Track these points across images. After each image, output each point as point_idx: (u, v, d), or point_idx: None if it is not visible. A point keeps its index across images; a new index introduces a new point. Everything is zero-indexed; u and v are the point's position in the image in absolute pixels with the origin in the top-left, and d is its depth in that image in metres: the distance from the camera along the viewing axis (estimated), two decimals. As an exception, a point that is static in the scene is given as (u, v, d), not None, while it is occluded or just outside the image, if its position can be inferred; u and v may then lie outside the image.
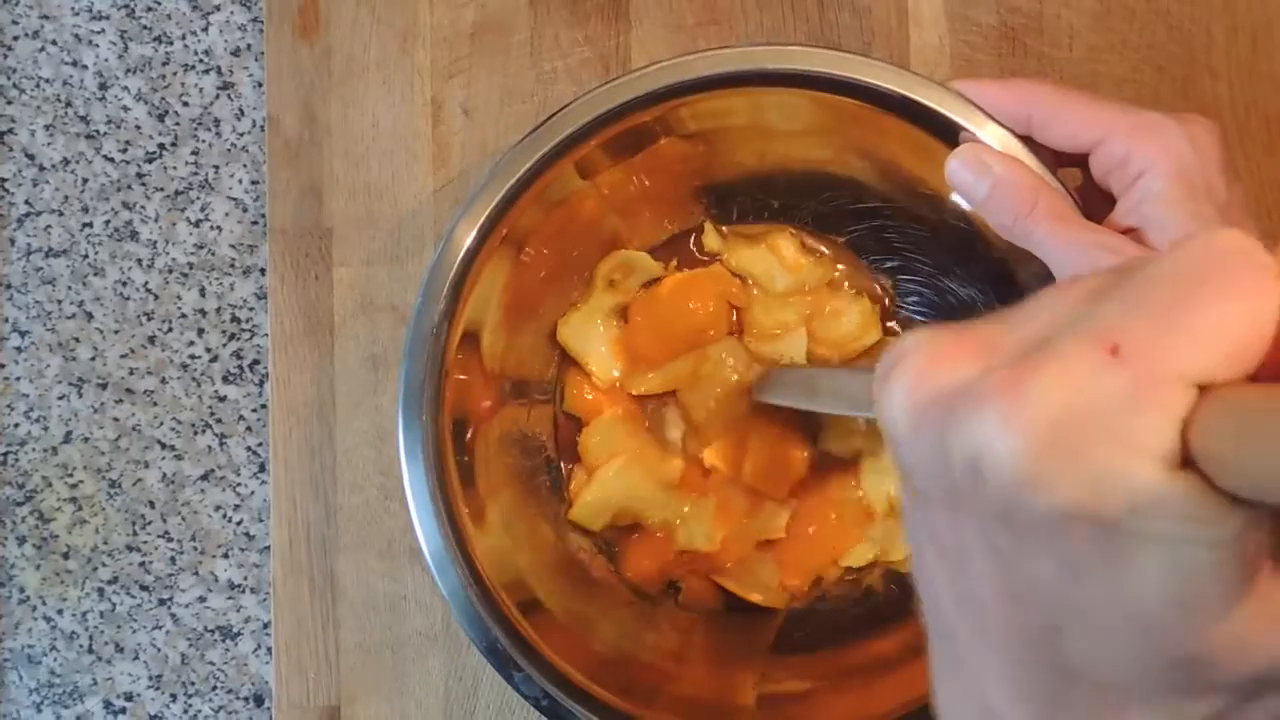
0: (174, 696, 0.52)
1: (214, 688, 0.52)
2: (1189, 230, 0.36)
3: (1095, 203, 0.39)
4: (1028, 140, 0.40)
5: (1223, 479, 0.19)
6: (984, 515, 0.22)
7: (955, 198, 0.41)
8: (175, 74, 0.54)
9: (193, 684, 0.52)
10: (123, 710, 0.52)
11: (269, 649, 0.52)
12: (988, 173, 0.38)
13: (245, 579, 0.52)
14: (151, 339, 0.53)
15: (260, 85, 0.53)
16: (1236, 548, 0.20)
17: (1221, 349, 0.19)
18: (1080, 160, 0.40)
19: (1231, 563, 0.20)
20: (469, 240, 0.42)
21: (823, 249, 0.50)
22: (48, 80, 0.54)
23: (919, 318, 0.50)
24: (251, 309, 0.53)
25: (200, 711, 0.52)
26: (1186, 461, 0.19)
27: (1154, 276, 0.20)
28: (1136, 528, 0.19)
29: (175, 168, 0.53)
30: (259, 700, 0.52)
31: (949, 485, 0.22)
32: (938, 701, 0.26)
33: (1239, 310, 0.19)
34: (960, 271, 0.46)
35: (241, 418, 0.53)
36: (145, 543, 0.52)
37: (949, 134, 0.40)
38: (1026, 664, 0.23)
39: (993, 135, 0.39)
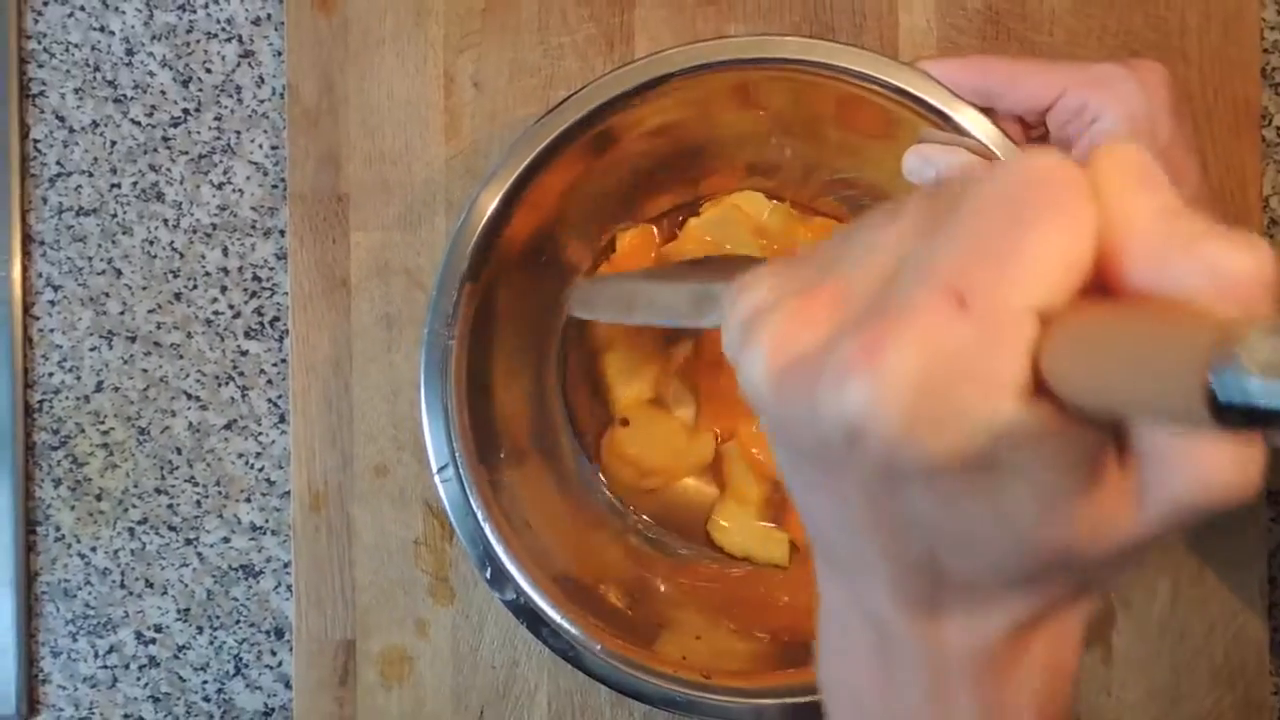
0: (200, 629, 0.56)
1: (237, 621, 0.56)
2: None
3: None
4: (989, 112, 0.43)
5: (1071, 399, 0.20)
6: (859, 468, 0.22)
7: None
8: (199, 41, 0.56)
9: (218, 618, 0.56)
10: (153, 641, 0.56)
11: (289, 586, 0.56)
12: (931, 169, 0.42)
13: (266, 521, 0.56)
14: (177, 295, 0.56)
15: (279, 54, 0.56)
16: (1095, 458, 0.22)
17: (1053, 275, 0.20)
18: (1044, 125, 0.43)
19: (1087, 468, 0.22)
20: (492, 205, 0.45)
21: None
22: (76, 45, 0.56)
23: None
24: (272, 269, 0.56)
25: (225, 643, 0.56)
26: (1040, 388, 0.20)
27: (980, 209, 0.21)
28: (1005, 459, 0.21)
29: (199, 132, 0.56)
30: (279, 633, 0.56)
31: (822, 449, 0.22)
32: (823, 603, 0.28)
33: (1062, 235, 0.20)
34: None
35: (262, 371, 0.56)
36: (173, 486, 0.56)
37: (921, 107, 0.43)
38: (906, 578, 0.24)
39: (955, 110, 0.43)
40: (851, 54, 0.43)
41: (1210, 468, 0.21)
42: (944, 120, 0.42)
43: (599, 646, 0.43)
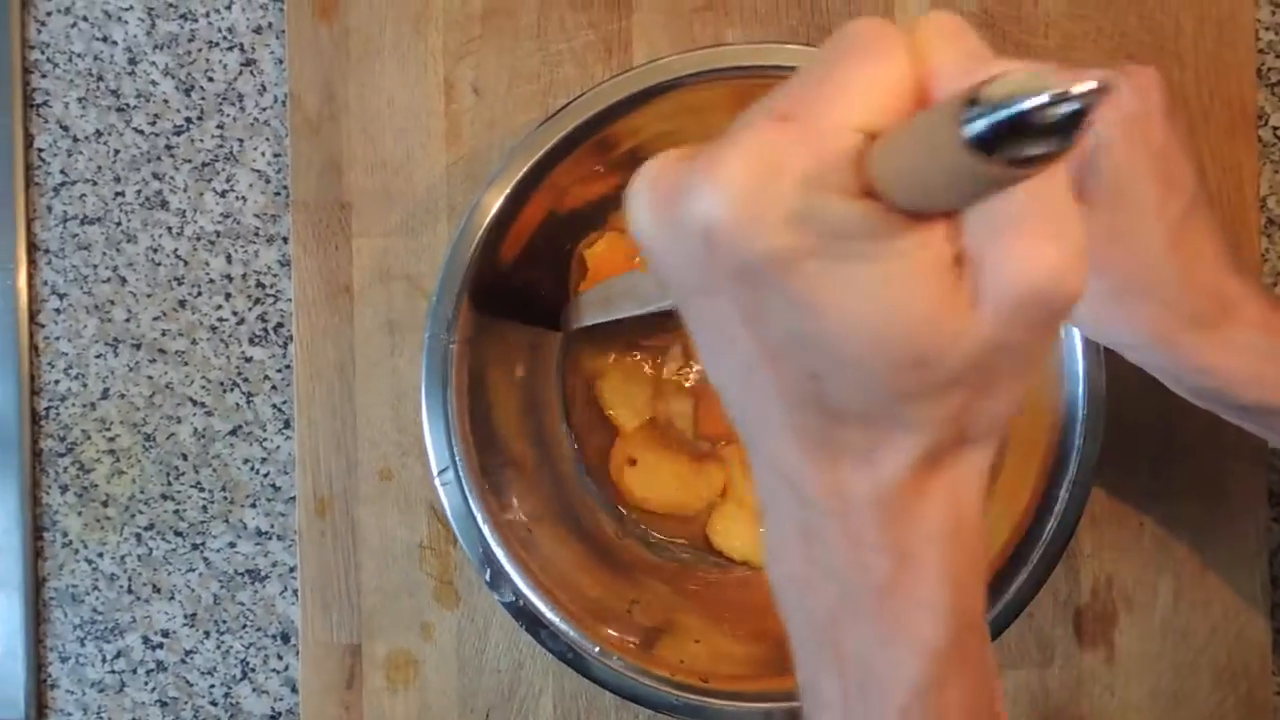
0: (207, 634, 0.56)
1: (244, 626, 0.56)
2: (1122, 175, 0.39)
3: None
4: None
5: (893, 197, 0.23)
6: (727, 282, 0.25)
7: None
8: (200, 50, 0.57)
9: (224, 622, 0.56)
10: (160, 645, 0.56)
11: (295, 591, 0.56)
12: None
13: (272, 526, 0.56)
14: (182, 303, 0.56)
15: (281, 62, 0.56)
16: (927, 255, 0.24)
17: (872, 99, 0.24)
18: None
19: (927, 269, 0.24)
20: (493, 209, 0.45)
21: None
22: (80, 55, 0.57)
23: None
24: (275, 275, 0.56)
25: (231, 648, 0.56)
26: (869, 192, 0.23)
27: (809, 65, 0.25)
28: (840, 251, 0.23)
29: (202, 140, 0.56)
30: (285, 638, 0.56)
31: (693, 266, 0.25)
32: (760, 499, 0.30)
33: (872, 65, 0.24)
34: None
35: (267, 377, 0.56)
36: (179, 492, 0.56)
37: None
38: (800, 416, 0.26)
39: None
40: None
41: (1027, 255, 0.23)
42: None
43: (597, 649, 0.43)
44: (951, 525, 0.27)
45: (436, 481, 0.45)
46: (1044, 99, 0.19)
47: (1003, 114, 0.19)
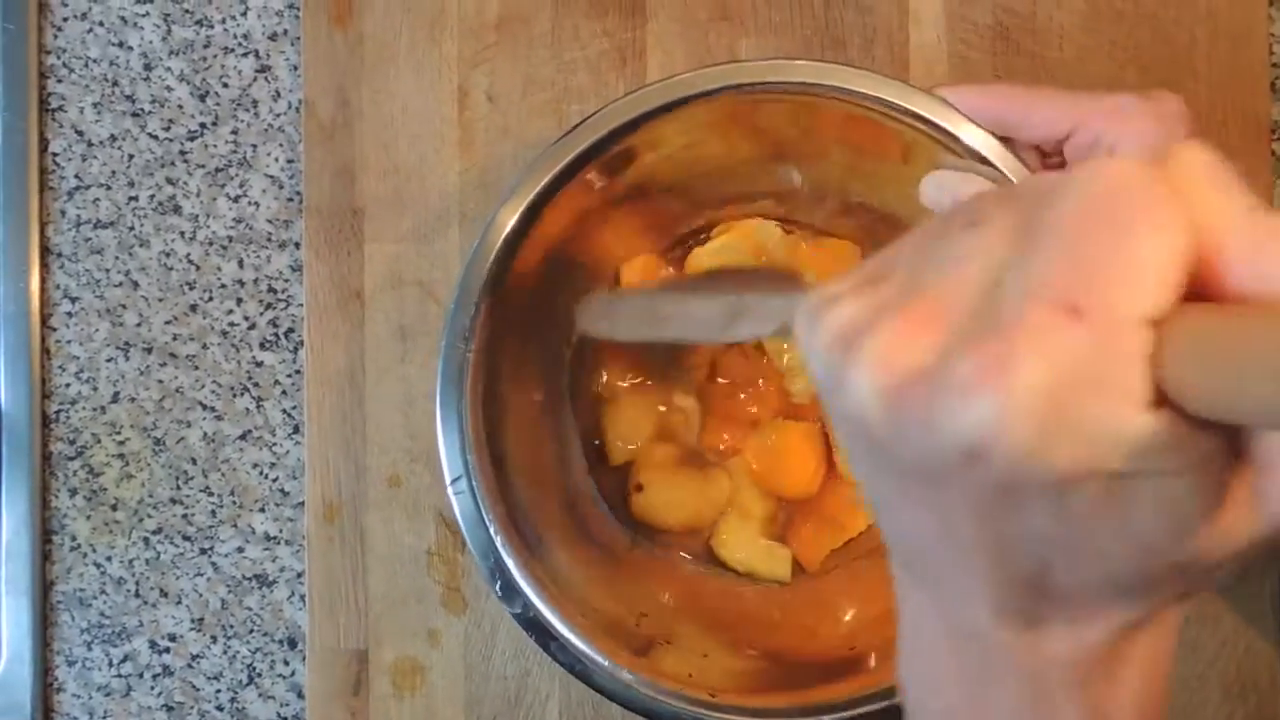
0: (214, 638, 0.56)
1: (251, 631, 0.56)
2: None
3: None
4: (1007, 141, 0.43)
5: (1191, 406, 0.20)
6: (974, 490, 0.22)
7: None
8: (215, 56, 0.57)
9: (231, 627, 0.56)
10: (167, 650, 0.56)
11: (302, 596, 0.56)
12: (948, 197, 0.42)
13: (280, 532, 0.56)
14: (193, 307, 0.56)
15: (296, 69, 0.56)
16: (1214, 465, 0.22)
17: (1157, 281, 0.20)
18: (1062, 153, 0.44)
19: (1212, 478, 0.22)
20: (510, 223, 0.45)
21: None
22: (95, 60, 0.57)
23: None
24: (287, 280, 0.56)
25: (239, 653, 0.56)
26: (1160, 398, 0.20)
27: (1071, 218, 0.21)
28: (1129, 469, 0.21)
29: (215, 146, 0.57)
30: (293, 643, 0.56)
31: (934, 465, 0.22)
32: (904, 615, 0.28)
33: (1161, 239, 0.20)
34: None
35: (277, 382, 0.56)
36: (188, 496, 0.56)
37: (939, 134, 0.43)
38: (1010, 592, 0.24)
39: (973, 137, 0.43)
40: (868, 79, 0.43)
41: None
42: (961, 147, 0.42)
43: (607, 662, 0.43)
44: (1150, 682, 0.26)
45: (450, 491, 0.45)
46: None
47: None
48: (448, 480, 0.45)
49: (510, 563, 0.44)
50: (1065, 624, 0.24)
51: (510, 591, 0.44)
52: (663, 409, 0.53)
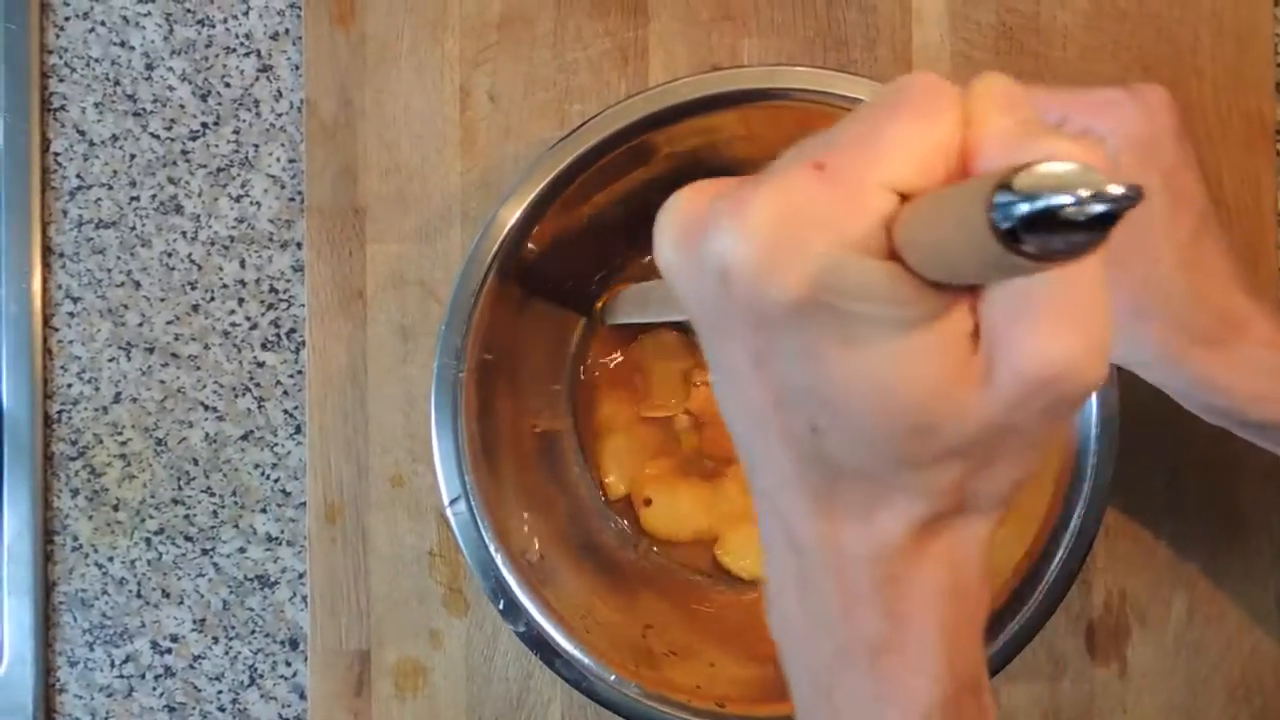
0: (216, 639, 0.56)
1: (253, 631, 0.56)
2: None
3: None
4: None
5: (917, 265, 0.23)
6: (741, 324, 0.25)
7: None
8: (217, 56, 0.57)
9: (233, 628, 0.56)
10: (169, 650, 0.56)
11: (304, 597, 0.56)
12: None
13: (282, 532, 0.56)
14: (195, 307, 0.56)
15: (298, 68, 0.56)
16: (944, 326, 0.23)
17: (912, 161, 0.23)
18: None
19: (943, 340, 0.23)
20: (511, 221, 0.45)
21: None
22: (97, 60, 0.57)
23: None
24: (289, 280, 0.56)
25: (240, 653, 0.56)
26: (893, 255, 0.23)
27: (856, 112, 0.24)
28: (857, 311, 0.23)
29: (217, 145, 0.57)
30: (294, 644, 0.56)
31: (710, 302, 0.25)
32: (762, 544, 0.29)
33: (919, 126, 0.23)
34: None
35: (279, 382, 0.56)
36: (189, 497, 0.56)
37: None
38: (802, 467, 0.26)
39: None
40: (861, 84, 0.43)
41: (1045, 342, 0.23)
42: None
43: (613, 676, 0.43)
44: (948, 590, 0.27)
45: (449, 512, 0.45)
46: (1075, 197, 0.19)
47: (1031, 206, 0.19)
48: (445, 501, 0.45)
49: (512, 581, 0.44)
50: (857, 513, 0.26)
51: (513, 609, 0.44)
52: (661, 421, 0.53)
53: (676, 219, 0.26)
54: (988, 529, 0.27)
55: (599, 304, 0.53)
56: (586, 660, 0.44)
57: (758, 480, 0.28)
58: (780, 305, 0.23)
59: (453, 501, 0.45)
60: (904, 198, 0.23)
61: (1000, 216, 0.19)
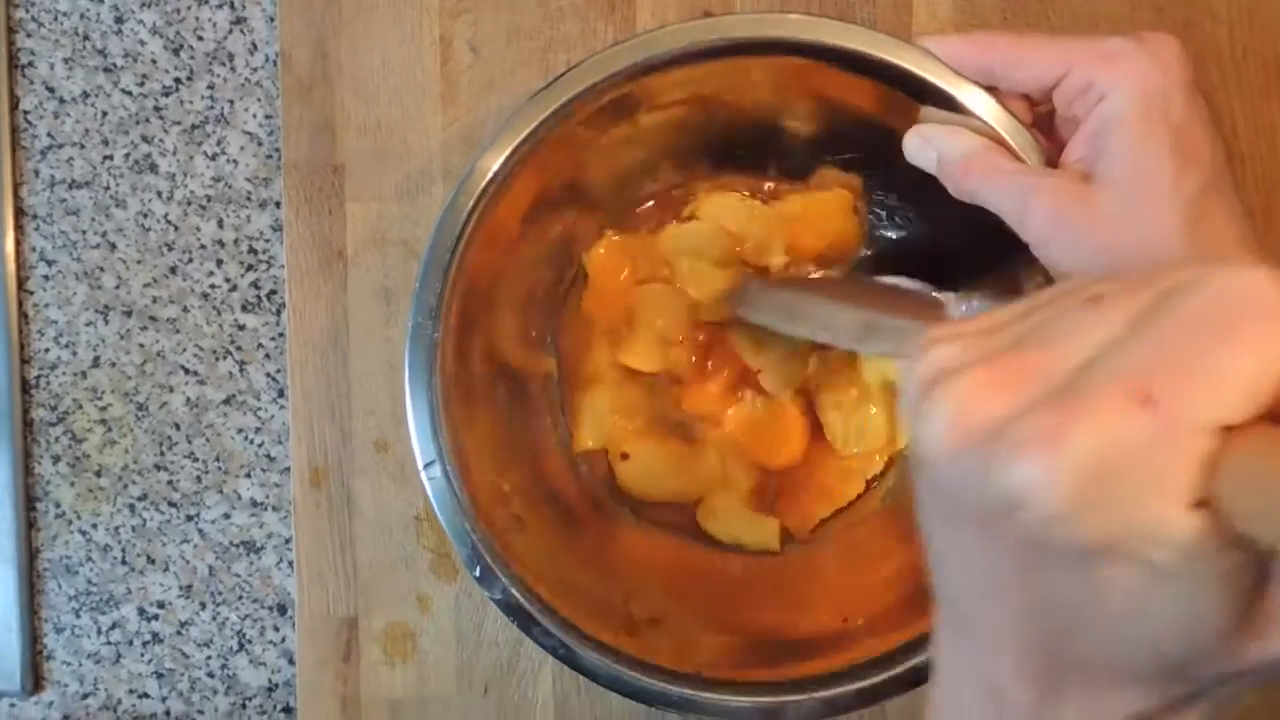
0: (203, 605, 0.56)
1: (240, 597, 0.56)
2: (1137, 151, 0.37)
3: (1068, 136, 0.40)
4: (994, 91, 0.41)
5: (1235, 519, 0.21)
6: (1016, 539, 0.23)
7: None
8: (189, 8, 0.55)
9: (220, 594, 0.56)
10: (155, 617, 0.56)
11: (290, 563, 0.55)
12: (932, 151, 0.41)
13: (267, 497, 0.55)
14: (173, 269, 0.55)
15: (272, 20, 0.54)
16: (1241, 582, 0.22)
17: (1240, 394, 0.21)
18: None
19: (1236, 587, 0.22)
20: (489, 173, 0.43)
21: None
22: (65, 14, 0.55)
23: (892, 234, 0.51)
24: (268, 240, 0.55)
25: (228, 619, 0.56)
26: (1205, 500, 0.21)
27: (1183, 318, 0.22)
28: (1158, 560, 0.22)
29: (191, 102, 0.55)
30: (282, 610, 0.56)
31: (984, 511, 0.24)
32: (940, 655, 0.29)
33: (1257, 357, 0.21)
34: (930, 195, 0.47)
35: (260, 345, 0.55)
36: (172, 462, 0.55)
37: (922, 93, 0.41)
38: (1035, 652, 0.25)
39: (963, 92, 0.41)
40: (850, 32, 0.41)
41: None
42: (946, 100, 0.40)
43: (591, 645, 0.42)
44: None
45: (423, 476, 0.43)
46: None
47: None
48: (420, 465, 0.43)
49: (486, 548, 0.43)
50: (1081, 699, 0.25)
51: (489, 576, 0.43)
52: (645, 379, 0.51)
53: (959, 420, 0.24)
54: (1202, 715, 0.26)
55: (586, 253, 0.52)
56: (564, 629, 0.43)
57: (962, 625, 0.27)
58: (1077, 546, 0.22)
59: (427, 465, 0.44)
60: (1227, 431, 0.21)
61: None
